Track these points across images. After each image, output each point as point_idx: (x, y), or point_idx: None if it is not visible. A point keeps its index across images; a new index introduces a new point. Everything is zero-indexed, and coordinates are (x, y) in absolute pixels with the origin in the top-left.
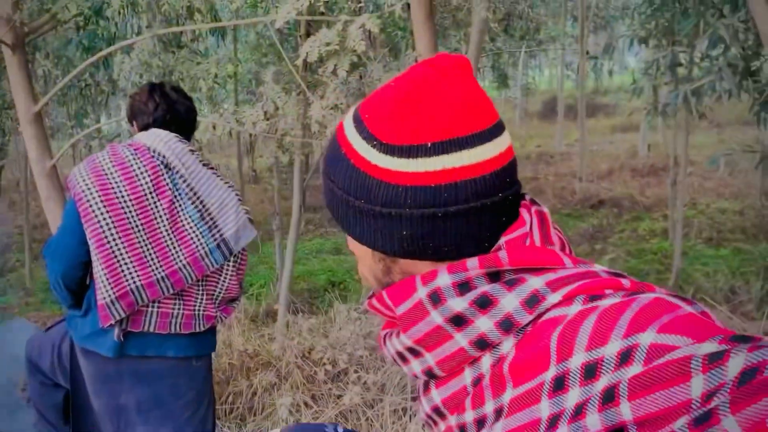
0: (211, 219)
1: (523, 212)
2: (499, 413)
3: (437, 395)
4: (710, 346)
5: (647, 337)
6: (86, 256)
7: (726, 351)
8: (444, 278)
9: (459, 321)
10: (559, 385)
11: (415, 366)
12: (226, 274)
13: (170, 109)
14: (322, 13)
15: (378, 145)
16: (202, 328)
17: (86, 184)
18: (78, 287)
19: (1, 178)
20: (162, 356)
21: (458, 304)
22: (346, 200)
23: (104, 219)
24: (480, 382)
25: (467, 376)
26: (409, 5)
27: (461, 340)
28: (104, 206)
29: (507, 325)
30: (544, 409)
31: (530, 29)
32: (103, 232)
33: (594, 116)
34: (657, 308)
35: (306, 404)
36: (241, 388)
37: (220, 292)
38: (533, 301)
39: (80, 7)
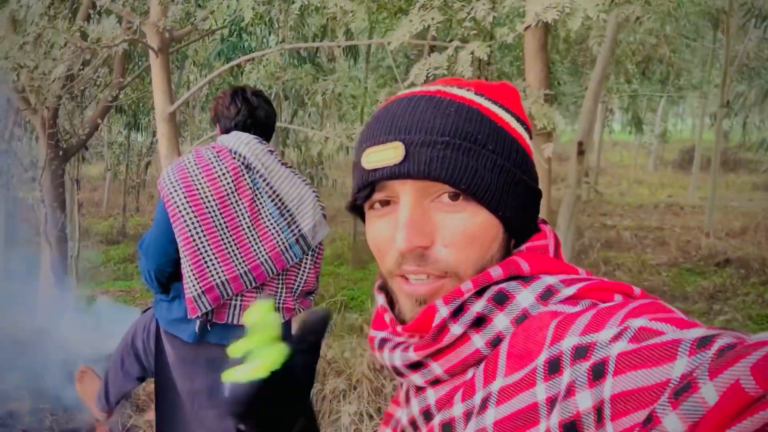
0: (290, 215)
1: (543, 227)
2: (485, 402)
3: (432, 395)
4: (698, 331)
5: (638, 321)
6: (176, 253)
7: (714, 336)
8: (469, 292)
9: (479, 321)
10: (554, 367)
11: (416, 379)
12: (305, 267)
13: (251, 113)
14: (435, 38)
15: (524, 127)
16: (282, 320)
17: (173, 186)
18: (167, 280)
19: (147, 173)
20: None
21: (478, 305)
22: (509, 171)
23: (190, 218)
24: (475, 373)
25: (469, 373)
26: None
27: (478, 341)
28: (190, 206)
29: (522, 321)
30: (540, 392)
31: (670, 74)
32: (190, 230)
33: (735, 171)
34: (653, 307)
35: (370, 415)
36: (313, 392)
37: (299, 285)
38: (548, 294)
39: (222, 20)
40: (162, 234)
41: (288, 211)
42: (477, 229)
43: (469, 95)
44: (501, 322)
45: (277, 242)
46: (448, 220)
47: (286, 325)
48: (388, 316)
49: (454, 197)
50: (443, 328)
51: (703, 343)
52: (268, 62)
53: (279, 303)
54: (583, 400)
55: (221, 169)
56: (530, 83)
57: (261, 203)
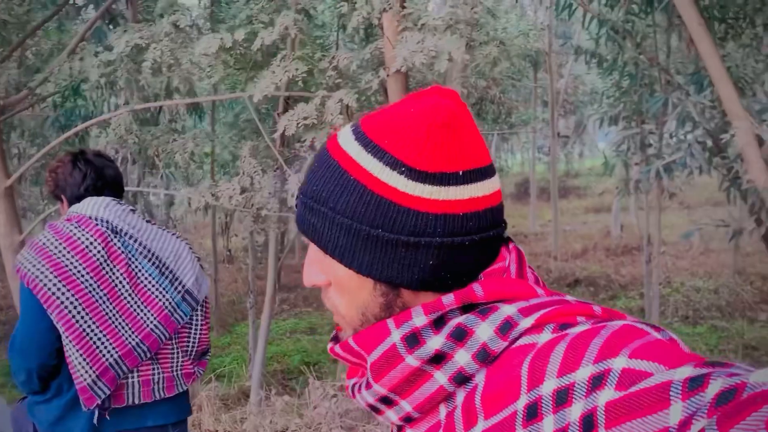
0: (171, 272)
1: (503, 248)
2: None
3: None
4: (687, 371)
5: (619, 362)
6: (58, 341)
7: (705, 376)
8: (420, 318)
9: (439, 358)
10: (533, 413)
11: (391, 415)
12: (196, 325)
13: (99, 175)
14: (301, 89)
15: (407, 171)
16: (184, 388)
17: (38, 269)
18: (51, 375)
19: None
20: (139, 428)
21: (436, 341)
22: (352, 228)
23: (67, 298)
24: (452, 413)
25: (442, 411)
26: (384, 82)
27: (440, 377)
28: (63, 285)
29: (483, 356)
30: None
31: (502, 113)
32: (69, 312)
33: (566, 197)
34: (626, 334)
35: None
36: None
37: (193, 346)
38: (506, 327)
39: (58, 85)
40: (35, 325)
41: (167, 268)
42: (338, 280)
43: (345, 140)
44: (462, 358)
45: (164, 304)
46: (327, 266)
47: (186, 395)
48: (337, 347)
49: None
50: (394, 354)
51: (695, 384)
52: (118, 125)
53: (177, 370)
54: None
55: (87, 239)
56: None
57: (138, 266)
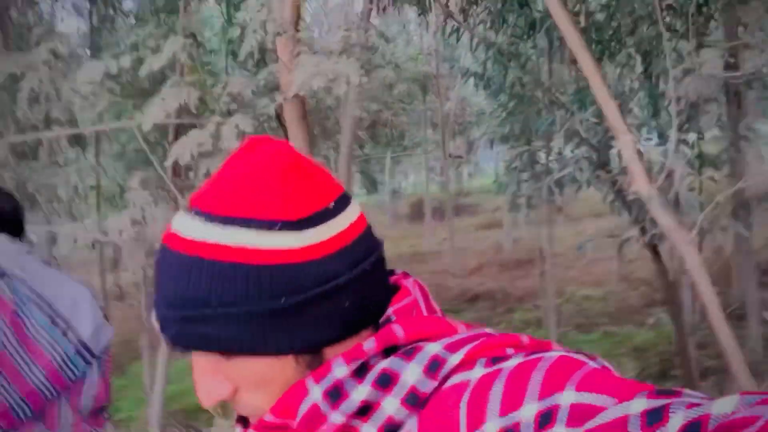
0: (65, 322)
1: (404, 282)
2: None
3: None
4: (642, 403)
5: (567, 397)
6: None
7: (664, 408)
8: (341, 369)
9: (365, 410)
10: None
11: None
12: (91, 380)
13: None
14: (194, 116)
15: (284, 226)
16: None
17: None
18: None
19: None
20: None
21: (361, 391)
22: (254, 313)
23: None
24: None
25: None
26: (281, 107)
27: (370, 430)
28: None
29: (413, 400)
30: None
31: (394, 136)
32: None
33: (459, 216)
34: (565, 366)
35: None
36: None
37: (88, 404)
38: (435, 366)
39: None
40: None
41: (61, 317)
42: (256, 375)
43: (194, 229)
44: (390, 405)
45: (53, 357)
46: (232, 372)
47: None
48: (250, 430)
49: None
50: (317, 414)
51: (655, 418)
52: None
53: (66, 430)
54: None
55: None
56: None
57: (26, 315)
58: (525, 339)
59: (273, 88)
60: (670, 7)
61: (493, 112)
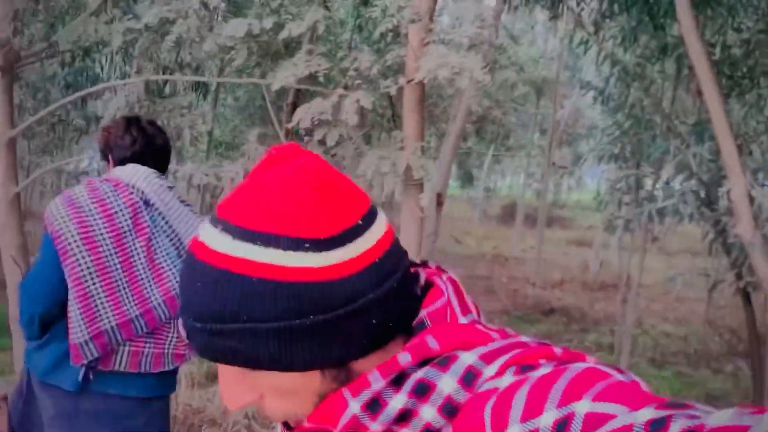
0: None
1: (437, 281)
2: None
3: None
4: (648, 413)
5: (583, 406)
6: (66, 294)
7: (667, 418)
8: (378, 383)
9: (404, 417)
10: None
11: None
12: None
13: (148, 143)
14: (320, 84)
15: (313, 246)
16: (171, 367)
17: (64, 222)
18: (52, 323)
19: None
20: (123, 395)
21: (399, 400)
22: (282, 330)
23: (83, 258)
24: None
25: None
26: (401, 90)
27: None
28: (83, 244)
29: (449, 409)
30: None
31: (500, 134)
32: (81, 270)
33: (550, 227)
34: (589, 376)
35: None
36: None
37: None
38: (470, 377)
39: (80, 42)
40: (50, 273)
41: (186, 251)
42: (280, 389)
43: (222, 243)
44: (428, 413)
45: (173, 285)
46: (257, 381)
47: (174, 372)
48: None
49: None
50: (358, 425)
51: (657, 426)
52: (132, 93)
53: (168, 349)
54: None
55: (119, 205)
56: (408, 135)
57: (158, 243)
58: (558, 350)
59: (396, 70)
60: None
61: (607, 129)
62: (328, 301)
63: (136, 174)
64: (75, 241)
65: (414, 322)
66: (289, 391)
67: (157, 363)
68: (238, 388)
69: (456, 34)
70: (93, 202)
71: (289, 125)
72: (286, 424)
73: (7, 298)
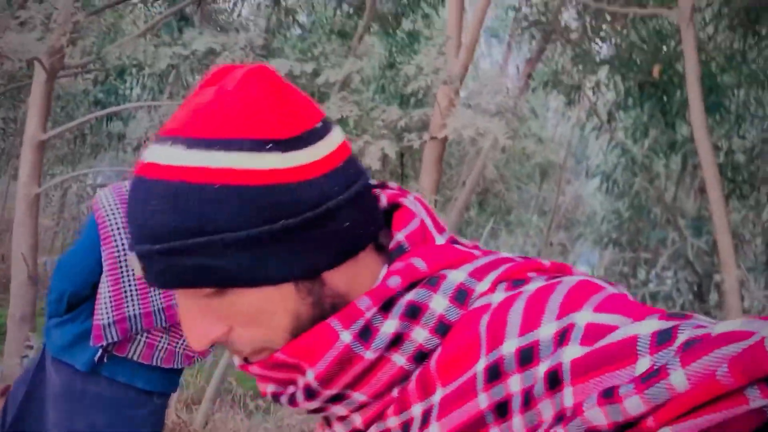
0: None
1: (404, 201)
2: (427, 415)
3: (358, 418)
4: (653, 323)
5: (583, 317)
6: (98, 277)
7: (673, 329)
8: (370, 309)
9: (395, 341)
10: (495, 374)
11: (339, 410)
12: None
13: None
14: (348, 130)
15: (275, 146)
16: (180, 365)
17: (111, 209)
18: (77, 304)
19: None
20: (129, 385)
21: (390, 325)
22: (251, 238)
23: (122, 244)
24: (406, 387)
25: (395, 391)
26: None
27: (399, 360)
28: (125, 232)
29: (442, 329)
30: (483, 401)
31: (502, 209)
32: (119, 255)
33: None
34: (585, 289)
35: None
36: None
37: None
38: (462, 295)
39: (125, 60)
40: (88, 254)
41: None
42: (253, 308)
43: (176, 155)
44: (419, 335)
45: None
46: (226, 309)
47: (180, 372)
48: (254, 368)
49: (217, 291)
50: (350, 355)
51: (664, 338)
52: (166, 114)
53: (180, 348)
54: (546, 410)
55: None
56: (424, 187)
57: None
58: (546, 263)
59: (420, 127)
60: None
61: (607, 216)
62: (296, 204)
63: None
64: (118, 227)
65: (392, 245)
66: (263, 313)
67: (168, 359)
68: (204, 320)
69: (482, 100)
70: None
71: None
72: (245, 359)
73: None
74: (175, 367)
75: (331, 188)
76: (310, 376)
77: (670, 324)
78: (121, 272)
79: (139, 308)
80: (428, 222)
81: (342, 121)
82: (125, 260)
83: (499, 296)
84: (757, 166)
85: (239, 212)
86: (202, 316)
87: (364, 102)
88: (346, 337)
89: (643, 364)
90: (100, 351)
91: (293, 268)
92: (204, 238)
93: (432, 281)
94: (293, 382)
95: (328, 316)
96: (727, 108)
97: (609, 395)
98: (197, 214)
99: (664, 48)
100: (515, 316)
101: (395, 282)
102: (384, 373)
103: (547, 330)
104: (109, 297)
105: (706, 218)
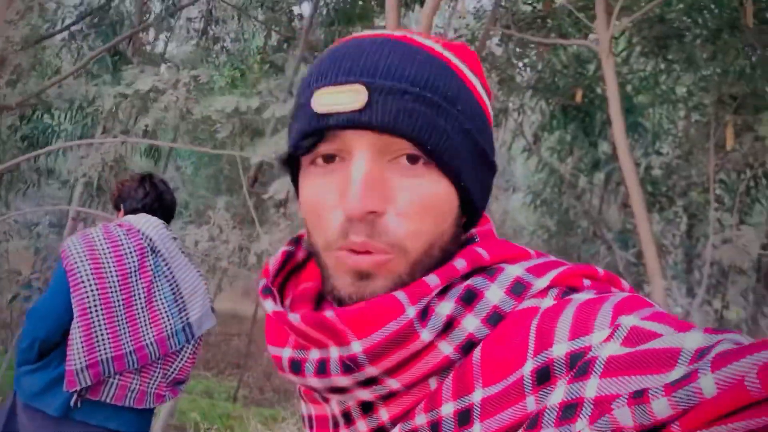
0: (183, 302)
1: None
2: (466, 415)
3: (385, 413)
4: (697, 337)
5: (630, 320)
6: (69, 323)
7: (713, 345)
8: (436, 286)
9: (448, 326)
10: (545, 377)
11: (364, 394)
12: (183, 356)
13: (158, 198)
14: None
15: (484, 91)
16: (152, 405)
17: (79, 257)
18: (48, 351)
19: None
20: (102, 427)
21: (446, 307)
22: (473, 136)
23: (92, 290)
24: (443, 381)
25: (432, 382)
26: None
27: (446, 348)
28: (93, 279)
29: (495, 319)
30: (531, 404)
31: None
32: (88, 302)
33: None
34: (635, 302)
35: None
36: None
37: (173, 373)
38: (519, 288)
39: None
40: (58, 302)
41: (182, 298)
42: (435, 199)
43: (438, 47)
44: (471, 323)
45: (165, 326)
46: (405, 186)
47: (152, 411)
48: (295, 316)
49: (413, 160)
50: (410, 332)
51: (703, 354)
52: (108, 152)
53: (151, 387)
54: (557, 396)
55: (129, 248)
56: None
57: (159, 286)
58: (600, 271)
59: None
60: (722, 181)
61: (536, 231)
62: (492, 145)
63: (147, 222)
64: (87, 275)
65: (464, 236)
66: (434, 203)
67: (140, 399)
68: (376, 190)
69: None
70: (106, 243)
71: (265, 196)
72: (268, 293)
73: None
74: (147, 407)
75: (493, 144)
76: (357, 348)
77: (714, 339)
78: (92, 318)
79: (111, 352)
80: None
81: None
82: (95, 306)
83: (548, 302)
84: (674, 181)
85: (474, 114)
86: (375, 186)
87: None
88: (411, 312)
89: (678, 373)
90: (75, 396)
91: (476, 187)
92: (456, 111)
93: (490, 271)
94: (325, 348)
95: (441, 261)
96: (645, 127)
97: (639, 396)
98: (456, 90)
99: (584, 72)
100: (565, 320)
101: (461, 264)
102: (427, 361)
103: (598, 336)
104: (81, 342)
105: (630, 231)
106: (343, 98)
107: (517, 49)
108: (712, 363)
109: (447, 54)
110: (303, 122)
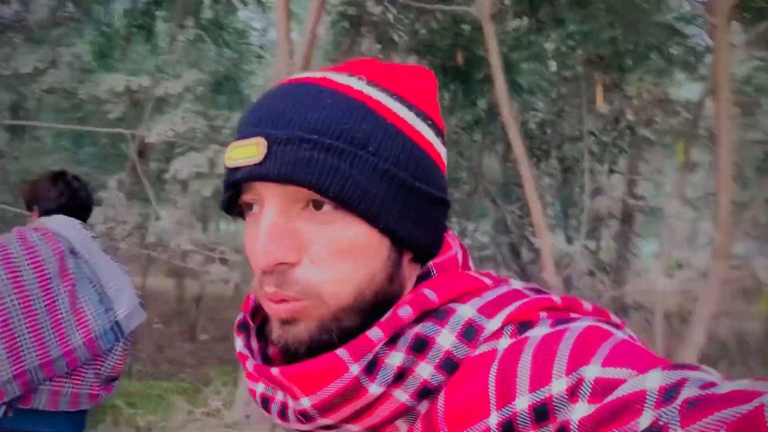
0: (109, 302)
1: (446, 236)
2: None
3: None
4: (658, 377)
5: (591, 371)
6: None
7: (678, 385)
8: (379, 339)
9: (400, 376)
10: (509, 430)
11: None
12: (114, 354)
13: (73, 196)
14: (197, 140)
15: (433, 126)
16: (87, 406)
17: None
18: None
19: None
20: None
21: (396, 358)
22: (394, 176)
23: (11, 300)
24: (412, 426)
25: (401, 426)
26: None
27: (401, 396)
28: (12, 288)
29: (449, 366)
30: None
31: None
32: (9, 312)
33: None
34: (593, 337)
35: None
36: None
37: (105, 372)
38: (470, 332)
39: None
40: None
41: (107, 297)
42: (350, 244)
43: (359, 84)
44: (424, 371)
45: (93, 328)
46: (316, 233)
47: (86, 412)
48: (251, 364)
49: (318, 206)
50: (356, 387)
51: (670, 395)
52: None
53: (84, 389)
54: None
55: (46, 253)
56: None
57: (82, 288)
58: (557, 299)
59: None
60: (592, 133)
61: None
62: (431, 177)
63: (65, 224)
64: (4, 284)
65: (421, 271)
66: (354, 247)
67: (74, 403)
68: (283, 242)
69: None
70: (22, 249)
71: (167, 174)
72: (243, 330)
73: None
74: (81, 408)
75: (445, 185)
76: (306, 403)
77: (676, 377)
78: (14, 327)
79: (37, 359)
80: (459, 256)
81: (188, 131)
82: (17, 316)
83: (504, 342)
84: (548, 136)
85: (398, 153)
86: (282, 236)
87: (209, 112)
88: (355, 369)
89: (647, 418)
90: (4, 407)
91: (405, 225)
92: (362, 152)
93: (440, 314)
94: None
95: (378, 304)
96: (521, 85)
97: None
98: (367, 132)
99: (462, 33)
100: (524, 368)
101: (406, 312)
102: (384, 408)
103: (558, 386)
104: (5, 354)
105: (512, 184)
106: (247, 151)
107: (398, 14)
108: (681, 419)
109: (368, 91)
110: (224, 176)
